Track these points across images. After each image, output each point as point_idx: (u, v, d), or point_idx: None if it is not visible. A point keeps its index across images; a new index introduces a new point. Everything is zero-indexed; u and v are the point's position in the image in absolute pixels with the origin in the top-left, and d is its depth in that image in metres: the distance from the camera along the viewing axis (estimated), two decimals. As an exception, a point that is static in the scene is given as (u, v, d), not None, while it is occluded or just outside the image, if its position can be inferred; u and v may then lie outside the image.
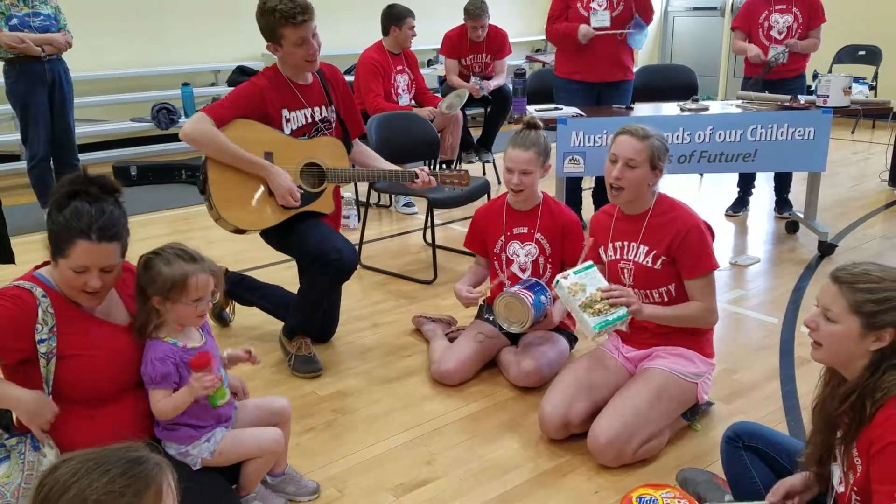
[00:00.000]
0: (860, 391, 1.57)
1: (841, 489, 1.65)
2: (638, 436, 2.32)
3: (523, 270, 2.90)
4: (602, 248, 2.59)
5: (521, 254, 2.90)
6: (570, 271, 2.38)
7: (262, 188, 2.80)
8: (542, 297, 2.72)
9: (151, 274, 1.89)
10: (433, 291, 3.74)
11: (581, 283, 2.35)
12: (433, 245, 3.95)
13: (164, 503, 1.12)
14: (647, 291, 2.48)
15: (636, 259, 2.48)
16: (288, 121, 2.83)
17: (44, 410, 1.81)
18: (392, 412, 2.66)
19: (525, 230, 2.89)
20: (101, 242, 1.76)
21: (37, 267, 1.90)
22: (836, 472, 1.67)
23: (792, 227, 4.53)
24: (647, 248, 2.46)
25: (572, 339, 2.99)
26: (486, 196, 4.03)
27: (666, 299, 2.47)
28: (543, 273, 2.88)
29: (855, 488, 1.60)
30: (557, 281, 2.36)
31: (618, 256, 2.53)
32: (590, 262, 2.43)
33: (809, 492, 1.76)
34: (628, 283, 2.50)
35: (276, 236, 2.91)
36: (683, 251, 2.39)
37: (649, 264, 2.45)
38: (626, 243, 2.51)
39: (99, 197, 1.79)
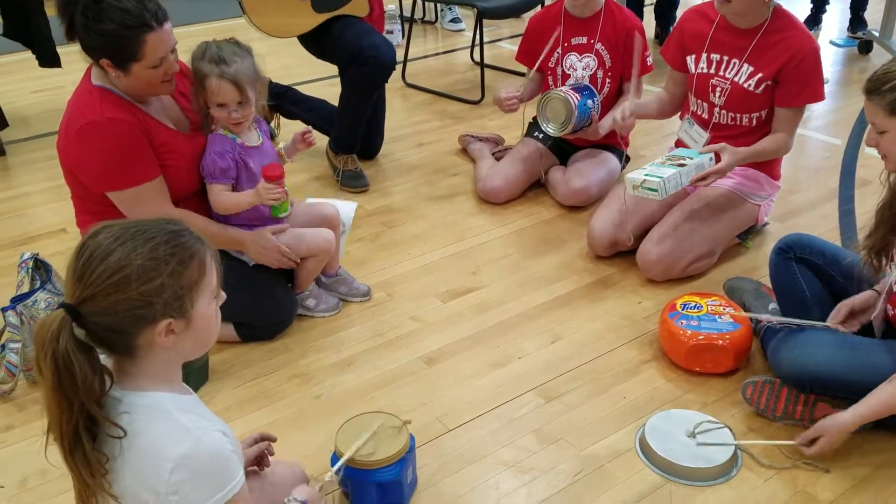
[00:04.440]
0: None
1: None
2: (690, 254, 2.28)
3: (580, 86, 2.76)
4: (693, 56, 2.34)
5: (579, 67, 2.74)
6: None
7: None
8: (589, 102, 2.60)
9: (192, 64, 1.88)
10: (480, 112, 3.64)
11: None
12: (481, 64, 3.79)
13: (208, 275, 1.09)
14: (738, 115, 2.29)
15: (736, 79, 2.24)
16: None
17: (263, 247, 1.97)
18: (438, 227, 2.68)
19: (584, 40, 2.71)
20: (163, 25, 1.74)
21: (87, 76, 1.85)
22: (894, 272, 1.65)
23: (865, 46, 4.26)
24: (752, 68, 2.21)
25: (624, 159, 2.91)
26: (539, 4, 3.79)
27: (754, 124, 2.29)
28: (601, 89, 2.73)
29: None
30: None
31: (712, 71, 2.29)
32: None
33: (869, 311, 1.75)
34: (719, 102, 2.30)
35: (313, 42, 2.83)
36: (795, 76, 2.16)
37: (750, 87, 2.23)
38: (726, 58, 2.26)
39: None
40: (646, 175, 2.15)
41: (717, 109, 2.33)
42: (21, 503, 1.61)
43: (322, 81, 3.84)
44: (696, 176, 2.14)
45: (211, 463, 1.05)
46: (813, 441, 1.62)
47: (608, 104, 2.74)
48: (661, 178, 2.11)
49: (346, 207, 2.30)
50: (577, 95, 2.56)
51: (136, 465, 1.05)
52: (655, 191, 2.11)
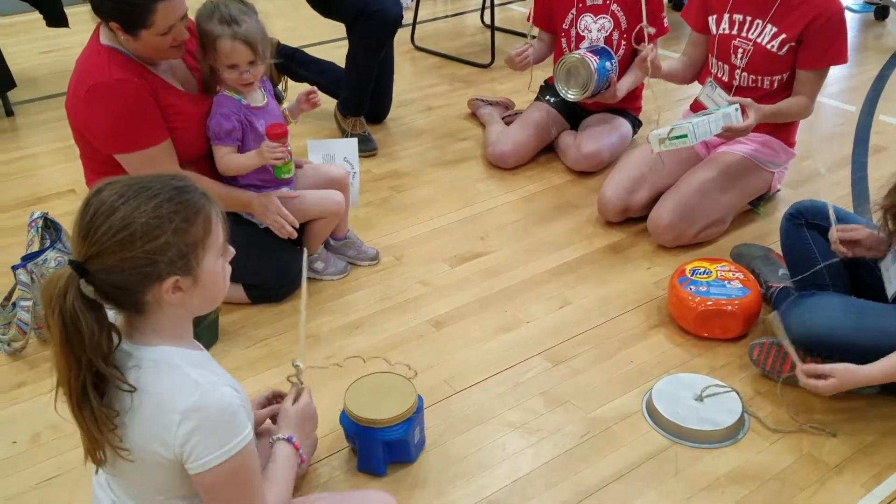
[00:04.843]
0: None
1: None
2: (702, 220, 2.27)
3: (595, 48, 2.71)
4: (714, 17, 2.31)
5: (594, 29, 2.69)
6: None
7: None
8: (608, 64, 2.55)
9: (198, 26, 1.86)
10: (490, 75, 3.60)
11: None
12: (492, 26, 3.75)
13: (214, 232, 1.08)
14: (759, 77, 2.26)
15: (759, 40, 2.21)
16: None
17: (265, 208, 1.94)
18: (446, 192, 2.66)
19: (599, 1, 2.65)
20: None
21: (95, 36, 1.83)
22: None
23: (881, 12, 4.16)
24: (775, 29, 2.18)
25: (636, 124, 2.88)
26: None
27: (775, 87, 2.25)
28: (617, 51, 2.68)
29: None
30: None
31: (735, 32, 2.25)
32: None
33: (871, 251, 1.73)
34: (740, 64, 2.27)
35: (319, 0, 2.81)
36: (818, 36, 2.13)
37: (773, 49, 2.19)
38: (749, 19, 2.23)
39: None
40: (673, 126, 2.10)
41: (738, 71, 2.29)
42: (33, 459, 1.63)
43: (330, 44, 3.80)
44: (724, 125, 2.09)
45: (219, 417, 1.06)
46: (819, 378, 1.57)
47: (623, 66, 2.70)
48: (690, 123, 2.06)
49: (347, 147, 2.28)
50: (595, 58, 2.52)
51: (146, 418, 1.06)
52: (685, 136, 2.06)
